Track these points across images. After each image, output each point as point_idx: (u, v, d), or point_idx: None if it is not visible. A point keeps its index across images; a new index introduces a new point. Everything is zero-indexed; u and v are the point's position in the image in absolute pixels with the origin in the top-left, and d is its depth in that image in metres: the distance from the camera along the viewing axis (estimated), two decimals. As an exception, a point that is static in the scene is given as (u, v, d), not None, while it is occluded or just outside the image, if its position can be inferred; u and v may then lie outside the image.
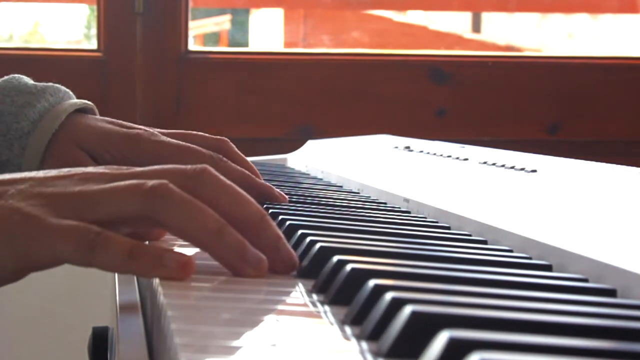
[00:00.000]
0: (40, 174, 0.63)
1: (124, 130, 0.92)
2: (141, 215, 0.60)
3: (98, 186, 0.61)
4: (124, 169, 0.64)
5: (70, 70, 1.91)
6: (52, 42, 3.45)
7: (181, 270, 0.58)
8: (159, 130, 0.95)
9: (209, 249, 0.61)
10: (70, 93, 0.98)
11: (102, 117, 0.97)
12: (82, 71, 1.93)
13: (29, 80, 0.97)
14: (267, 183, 0.91)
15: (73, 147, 0.92)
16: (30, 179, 0.62)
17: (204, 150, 0.89)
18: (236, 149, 0.94)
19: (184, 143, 0.90)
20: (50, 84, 0.97)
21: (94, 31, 2.23)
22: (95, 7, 1.99)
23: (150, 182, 0.60)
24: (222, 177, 0.63)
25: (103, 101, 1.92)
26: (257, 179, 0.90)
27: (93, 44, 2.00)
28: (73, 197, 0.60)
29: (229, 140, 0.94)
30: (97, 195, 0.60)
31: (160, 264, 0.58)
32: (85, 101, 0.97)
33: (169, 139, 0.91)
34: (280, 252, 0.63)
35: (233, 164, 0.89)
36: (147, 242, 0.69)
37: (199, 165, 0.63)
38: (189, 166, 0.63)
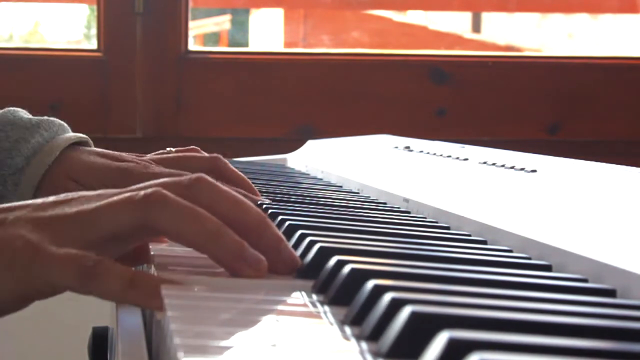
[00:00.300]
0: (38, 200, 0.63)
1: (117, 163, 0.93)
2: (139, 224, 0.60)
3: (93, 205, 0.61)
4: (120, 189, 0.64)
5: (70, 70, 1.91)
6: (52, 42, 3.45)
7: None
8: (150, 156, 0.95)
9: (208, 251, 0.61)
10: (65, 126, 0.99)
11: (95, 150, 0.97)
12: (82, 71, 1.93)
13: (25, 114, 0.98)
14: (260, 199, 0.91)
15: (66, 181, 0.92)
16: (28, 205, 0.62)
17: None
18: (230, 166, 0.95)
19: (176, 172, 0.90)
20: (45, 117, 0.97)
21: (94, 31, 2.23)
22: (95, 7, 1.99)
23: (143, 191, 0.60)
24: (218, 184, 0.64)
25: (103, 101, 1.92)
26: (250, 195, 0.89)
27: (93, 44, 2.00)
28: (71, 218, 0.61)
29: (221, 157, 0.95)
30: (94, 213, 0.61)
31: (158, 294, 0.57)
32: (80, 135, 0.97)
33: (161, 169, 0.91)
34: (281, 254, 0.63)
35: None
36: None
37: (195, 175, 0.64)
38: (184, 177, 0.63)
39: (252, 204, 0.64)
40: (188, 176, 0.64)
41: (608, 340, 0.44)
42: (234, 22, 3.28)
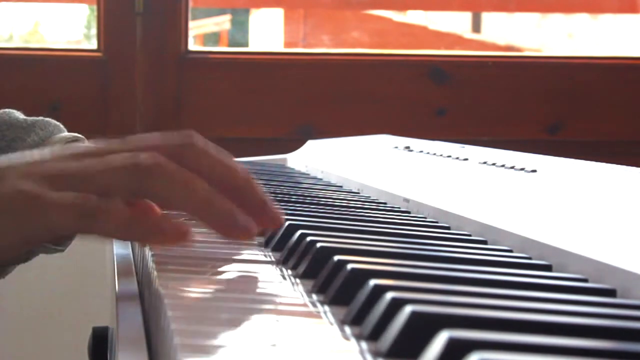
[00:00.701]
0: (36, 155, 0.66)
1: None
2: (134, 188, 0.63)
3: (92, 161, 0.64)
4: (114, 145, 0.66)
5: (70, 70, 1.91)
6: (52, 42, 3.45)
7: (179, 236, 0.62)
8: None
9: (201, 217, 0.64)
10: (61, 126, 1.00)
11: None
12: (82, 71, 1.93)
13: (20, 115, 0.99)
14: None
15: None
16: (24, 160, 0.65)
17: None
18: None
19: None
20: (40, 118, 0.99)
21: (94, 31, 2.23)
22: (95, 7, 1.99)
23: (142, 157, 0.63)
24: (208, 143, 0.67)
25: (103, 101, 1.92)
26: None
27: (93, 44, 2.00)
28: (69, 172, 0.63)
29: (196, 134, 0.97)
30: (91, 169, 0.63)
31: (159, 230, 0.61)
32: (76, 134, 0.98)
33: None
34: (266, 209, 0.67)
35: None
36: None
37: (186, 134, 0.66)
38: (176, 137, 0.66)
39: (238, 165, 0.67)
40: (180, 137, 0.66)
41: (608, 340, 0.44)
42: (234, 22, 3.28)
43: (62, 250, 0.89)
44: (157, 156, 0.63)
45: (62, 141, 0.95)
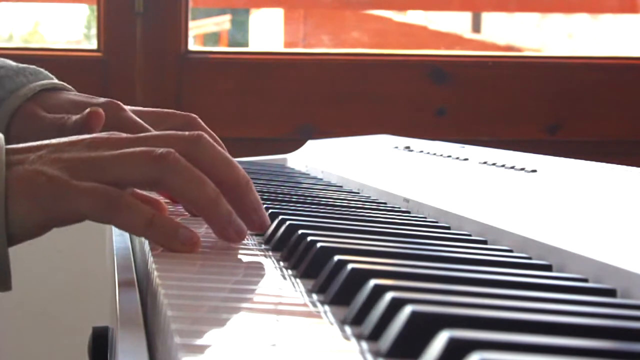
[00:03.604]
0: (54, 141, 0.69)
1: (89, 100, 0.98)
2: (150, 179, 0.67)
3: (109, 152, 0.68)
4: (128, 135, 0.71)
5: (70, 70, 1.91)
6: (52, 42, 3.45)
7: (191, 246, 0.66)
8: (130, 108, 0.97)
9: (205, 213, 0.69)
10: (54, 77, 1.03)
11: (74, 92, 1.02)
12: (82, 71, 1.93)
13: (12, 62, 1.03)
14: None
15: (38, 110, 0.97)
16: (46, 146, 0.69)
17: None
18: (205, 126, 0.99)
19: (147, 128, 0.94)
20: (32, 66, 1.02)
21: (94, 31, 2.23)
22: (95, 7, 1.99)
23: (159, 150, 0.67)
24: (214, 144, 0.71)
25: (103, 101, 1.92)
26: None
27: (93, 44, 2.00)
28: (89, 161, 0.67)
29: (197, 117, 0.99)
30: (110, 160, 0.67)
31: (175, 236, 0.66)
32: (66, 84, 1.02)
33: (131, 116, 0.95)
34: (257, 214, 0.72)
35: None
36: None
37: (196, 132, 0.71)
38: (187, 132, 0.71)
39: (239, 166, 0.72)
40: (190, 133, 0.71)
41: (608, 340, 0.44)
42: (234, 22, 3.28)
43: None
44: (172, 151, 0.67)
45: (49, 84, 0.99)
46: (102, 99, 0.97)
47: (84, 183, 0.66)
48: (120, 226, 0.68)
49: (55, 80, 1.02)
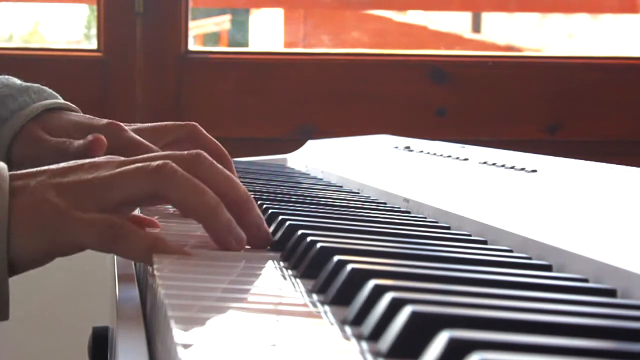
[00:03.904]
0: (53, 167, 0.70)
1: (91, 121, 0.99)
2: (150, 192, 0.67)
3: (108, 172, 0.68)
4: (126, 158, 0.71)
5: (70, 70, 1.91)
6: (52, 42, 3.45)
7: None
8: (131, 127, 0.98)
9: (205, 222, 0.68)
10: (57, 96, 1.03)
11: (77, 114, 1.03)
12: (82, 71, 1.93)
13: (17, 80, 1.04)
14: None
15: (40, 132, 0.98)
16: (45, 171, 0.69)
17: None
18: (205, 133, 0.99)
19: (151, 147, 0.95)
20: (37, 85, 1.03)
21: (94, 31, 2.23)
22: (95, 7, 1.99)
23: (155, 163, 0.67)
24: (214, 162, 0.71)
25: (103, 101, 1.92)
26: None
27: (93, 44, 2.00)
28: (90, 183, 0.68)
29: (197, 125, 1.00)
30: (109, 180, 0.68)
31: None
32: (69, 103, 1.02)
33: (133, 136, 0.96)
34: (260, 231, 0.71)
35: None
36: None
37: (195, 151, 0.71)
38: (185, 152, 0.71)
39: (240, 183, 0.72)
40: (189, 152, 0.71)
41: (608, 340, 0.44)
42: (234, 22, 3.28)
43: None
44: (169, 162, 0.68)
45: (52, 104, 1.00)
46: (103, 121, 0.98)
47: (85, 215, 0.66)
48: (120, 255, 0.69)
49: (59, 100, 1.02)
